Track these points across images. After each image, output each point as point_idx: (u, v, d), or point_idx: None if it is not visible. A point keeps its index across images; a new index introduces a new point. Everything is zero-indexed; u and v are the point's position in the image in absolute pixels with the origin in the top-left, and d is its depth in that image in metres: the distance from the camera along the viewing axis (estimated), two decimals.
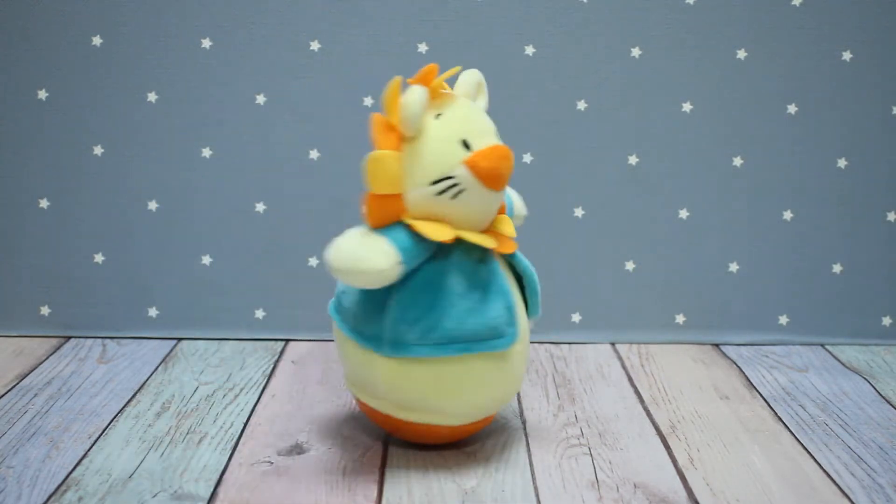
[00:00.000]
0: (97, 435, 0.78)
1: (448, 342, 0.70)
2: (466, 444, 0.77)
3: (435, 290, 0.70)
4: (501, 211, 0.75)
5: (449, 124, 0.70)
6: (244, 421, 0.81)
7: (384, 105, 0.70)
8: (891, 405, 0.87)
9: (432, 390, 0.71)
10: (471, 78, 0.74)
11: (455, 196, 0.69)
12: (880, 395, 0.90)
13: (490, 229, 0.73)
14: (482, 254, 0.72)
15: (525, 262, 0.76)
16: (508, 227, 0.74)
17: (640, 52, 0.99)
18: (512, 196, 0.80)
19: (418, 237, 0.69)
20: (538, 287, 0.76)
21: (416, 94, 0.67)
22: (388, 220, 0.70)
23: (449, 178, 0.69)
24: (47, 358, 0.95)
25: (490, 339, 0.70)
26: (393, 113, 0.69)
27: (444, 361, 0.70)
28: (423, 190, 0.69)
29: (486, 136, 0.71)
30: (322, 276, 0.73)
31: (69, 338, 1.01)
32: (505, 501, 0.68)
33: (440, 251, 0.71)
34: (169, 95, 0.98)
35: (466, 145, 0.69)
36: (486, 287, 0.71)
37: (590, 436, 0.79)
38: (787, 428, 0.82)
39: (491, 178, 0.69)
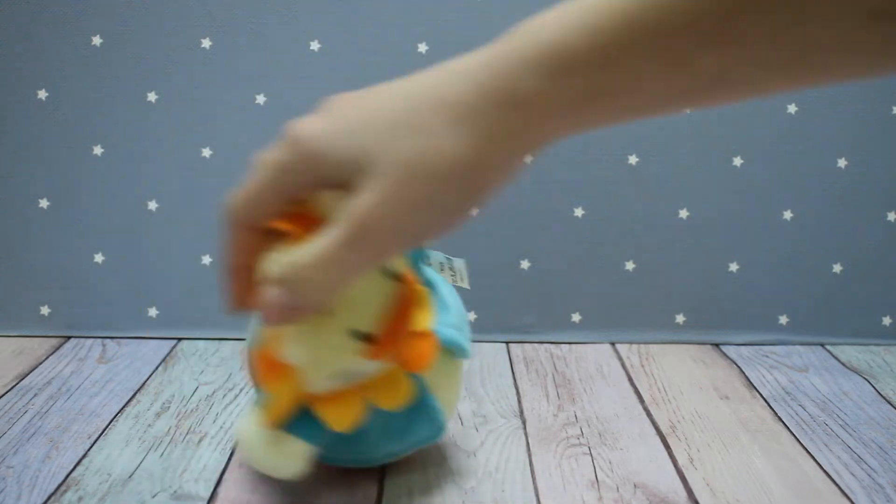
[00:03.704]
0: (97, 435, 0.78)
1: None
2: (466, 445, 0.77)
3: None
4: None
5: None
6: None
7: None
8: (891, 405, 0.87)
9: None
10: None
11: None
12: (880, 395, 0.90)
13: None
14: None
15: None
16: None
17: None
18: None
19: None
20: None
21: None
22: None
23: None
24: (47, 358, 0.95)
25: None
26: None
27: None
28: None
29: None
30: None
31: (69, 338, 1.01)
32: (505, 501, 0.68)
33: None
34: (169, 95, 0.98)
35: None
36: None
37: (590, 436, 0.79)
38: (787, 428, 0.82)
39: None
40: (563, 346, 1.02)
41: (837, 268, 1.03)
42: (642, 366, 0.96)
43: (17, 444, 0.76)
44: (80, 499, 0.67)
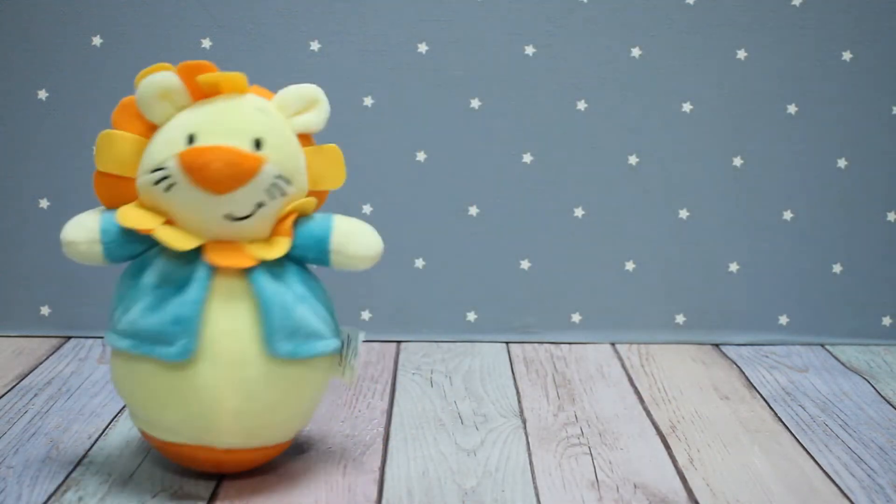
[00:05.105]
0: (97, 435, 0.78)
1: (124, 335, 0.67)
2: (466, 444, 0.77)
3: (133, 280, 0.68)
4: (284, 231, 0.68)
5: (188, 117, 0.67)
6: None
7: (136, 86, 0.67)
8: (891, 405, 0.87)
9: (119, 386, 0.69)
10: (293, 92, 0.72)
11: (168, 189, 0.65)
12: (880, 395, 0.90)
13: (238, 242, 0.67)
14: (193, 257, 0.66)
15: (263, 286, 0.66)
16: (269, 249, 0.67)
17: (640, 52, 0.99)
18: (340, 225, 0.71)
19: None
20: (273, 318, 0.66)
21: (154, 79, 0.66)
22: (122, 202, 0.68)
23: (162, 168, 0.65)
24: (47, 358, 0.95)
25: (156, 345, 0.65)
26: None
27: (125, 357, 0.67)
28: (145, 177, 0.67)
29: (222, 137, 0.66)
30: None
31: (69, 338, 1.01)
32: (505, 501, 0.68)
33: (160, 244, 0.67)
34: None
35: (191, 139, 0.66)
36: (176, 290, 0.66)
37: (590, 436, 0.79)
38: (787, 428, 0.82)
39: (195, 174, 0.64)
40: (563, 346, 1.02)
41: (837, 268, 1.03)
42: (642, 366, 0.96)
43: (17, 444, 0.76)
44: (80, 499, 0.67)
